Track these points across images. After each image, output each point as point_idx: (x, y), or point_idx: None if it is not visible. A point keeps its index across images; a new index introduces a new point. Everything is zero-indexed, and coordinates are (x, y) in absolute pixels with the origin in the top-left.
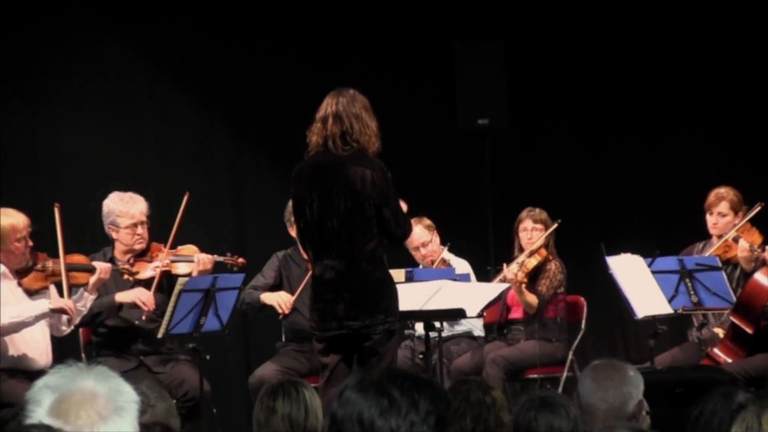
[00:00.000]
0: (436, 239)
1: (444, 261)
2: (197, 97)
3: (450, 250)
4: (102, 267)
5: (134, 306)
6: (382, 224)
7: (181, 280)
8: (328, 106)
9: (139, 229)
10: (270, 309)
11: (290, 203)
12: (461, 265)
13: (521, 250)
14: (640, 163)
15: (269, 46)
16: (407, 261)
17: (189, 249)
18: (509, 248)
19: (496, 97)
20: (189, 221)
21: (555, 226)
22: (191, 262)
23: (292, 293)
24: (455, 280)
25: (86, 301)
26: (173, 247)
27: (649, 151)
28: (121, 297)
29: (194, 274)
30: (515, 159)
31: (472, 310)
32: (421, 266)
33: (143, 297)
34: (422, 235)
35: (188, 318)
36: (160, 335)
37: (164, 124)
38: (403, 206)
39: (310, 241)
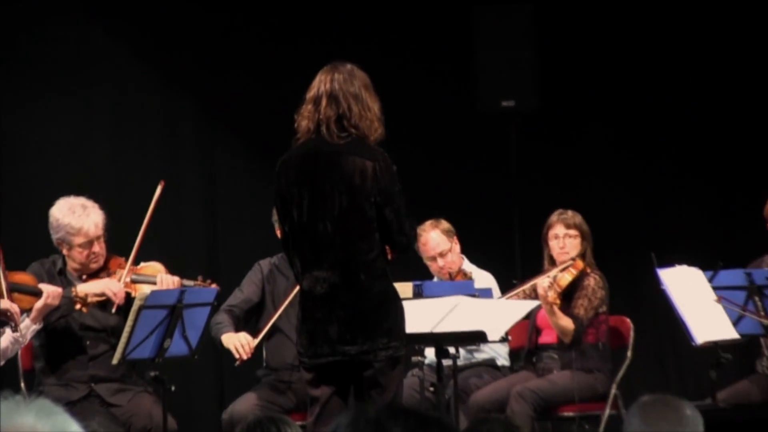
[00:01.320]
0: (456, 248)
1: (464, 274)
2: (162, 76)
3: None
4: (50, 291)
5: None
6: (383, 228)
7: (140, 294)
8: (321, 83)
9: (95, 247)
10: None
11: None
12: (484, 279)
13: (552, 261)
14: (697, 158)
15: (248, 13)
16: (419, 272)
17: (153, 267)
18: (539, 256)
19: (524, 73)
20: (152, 226)
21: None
22: (153, 283)
23: (276, 310)
24: (474, 295)
25: (27, 330)
26: (135, 262)
27: (709, 146)
28: (86, 288)
29: None
30: (547, 149)
31: (494, 332)
32: (435, 278)
33: (114, 287)
34: (440, 242)
35: (150, 340)
36: (115, 361)
37: (123, 108)
38: None
39: (297, 248)
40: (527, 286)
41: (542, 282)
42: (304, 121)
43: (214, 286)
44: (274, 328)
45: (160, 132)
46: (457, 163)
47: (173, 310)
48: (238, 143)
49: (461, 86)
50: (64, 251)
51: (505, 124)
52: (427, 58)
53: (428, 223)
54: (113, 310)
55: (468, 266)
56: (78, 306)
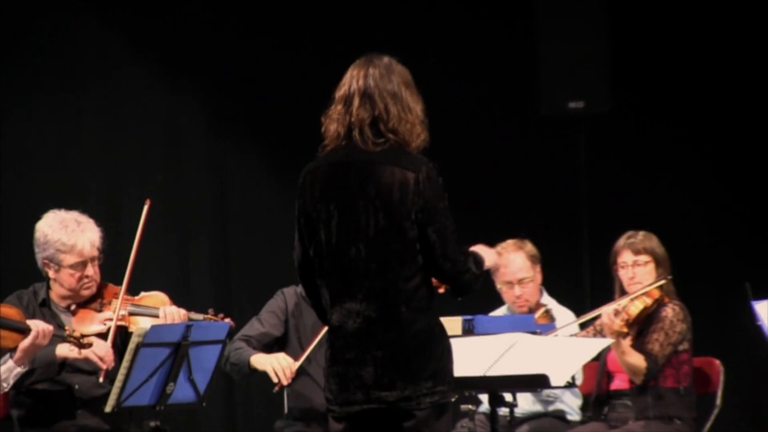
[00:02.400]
0: (539, 278)
1: (547, 313)
2: (165, 73)
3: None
4: (41, 329)
5: (81, 365)
6: (426, 251)
7: (138, 330)
8: (352, 80)
9: (89, 270)
10: (263, 375)
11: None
12: (565, 317)
13: (623, 292)
14: None
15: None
16: (475, 303)
17: (154, 298)
18: (610, 282)
19: (595, 72)
20: (152, 249)
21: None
22: (155, 316)
23: (302, 349)
24: (535, 332)
25: (9, 374)
26: (134, 291)
27: None
28: (65, 350)
29: None
30: (621, 157)
31: (558, 376)
32: (505, 308)
33: (100, 350)
34: (522, 267)
35: (149, 384)
36: (108, 408)
37: (119, 111)
38: (489, 256)
39: (325, 276)
40: (593, 316)
41: (608, 310)
42: (332, 125)
43: (227, 320)
44: (299, 370)
45: (161, 139)
46: (517, 176)
47: (177, 349)
48: (254, 151)
49: (522, 87)
50: (51, 274)
51: (573, 130)
52: (483, 55)
53: (511, 242)
54: (101, 379)
55: (547, 300)
56: (71, 348)
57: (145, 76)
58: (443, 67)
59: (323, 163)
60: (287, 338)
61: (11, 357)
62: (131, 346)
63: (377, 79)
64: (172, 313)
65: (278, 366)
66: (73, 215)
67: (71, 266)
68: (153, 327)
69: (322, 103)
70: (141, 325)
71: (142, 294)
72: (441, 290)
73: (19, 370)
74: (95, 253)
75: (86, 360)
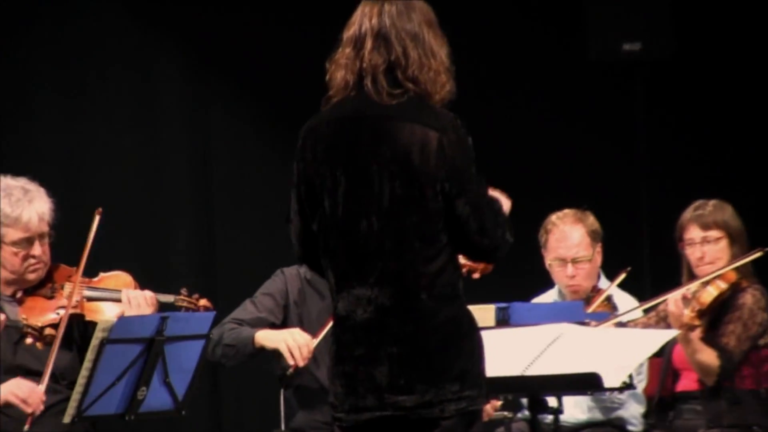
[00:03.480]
0: (598, 260)
1: (607, 301)
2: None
3: None
4: None
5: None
6: (455, 227)
7: (102, 323)
8: (364, 18)
9: (36, 248)
10: (268, 359)
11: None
12: (626, 307)
13: (691, 275)
14: None
15: None
16: (509, 287)
17: (116, 279)
18: (676, 262)
19: (655, 10)
20: (119, 224)
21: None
22: (117, 301)
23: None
24: (583, 323)
25: None
26: (90, 273)
27: None
28: None
29: None
30: (685, 109)
31: (613, 376)
32: (555, 290)
33: (21, 391)
34: (581, 244)
35: (117, 388)
36: (67, 419)
37: (80, 53)
38: (505, 203)
39: (329, 256)
40: (656, 303)
41: (675, 296)
42: (339, 72)
43: (203, 304)
44: (301, 370)
45: (132, 93)
46: (563, 131)
47: (151, 346)
48: (241, 106)
49: (568, 27)
50: None
51: (629, 77)
52: None
53: (570, 213)
54: (25, 428)
55: (614, 290)
56: (30, 341)
57: (111, 18)
58: (474, 5)
59: (328, 118)
60: (286, 326)
61: None
62: (94, 342)
63: (394, 17)
64: (136, 297)
65: (293, 343)
66: (21, 182)
67: (14, 243)
68: (120, 319)
69: (325, 46)
70: (100, 312)
71: (101, 275)
72: (476, 275)
73: None
74: (44, 228)
75: (6, 404)
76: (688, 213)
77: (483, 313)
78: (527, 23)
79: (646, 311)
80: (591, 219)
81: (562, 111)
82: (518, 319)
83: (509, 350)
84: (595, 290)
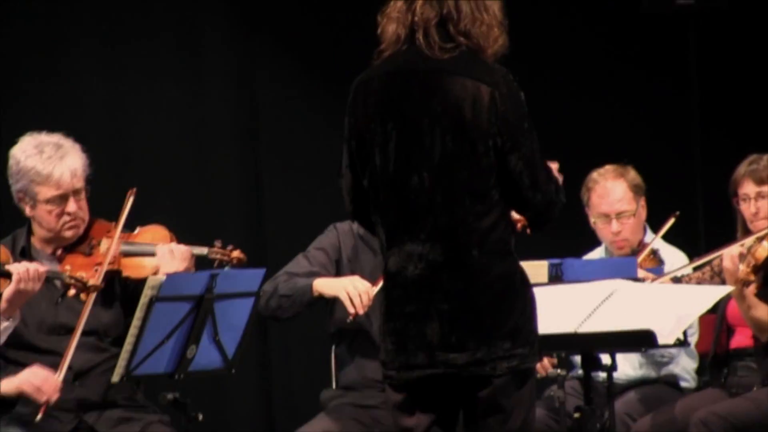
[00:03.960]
0: (643, 214)
1: (653, 254)
2: None
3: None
4: (22, 271)
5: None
6: (507, 183)
7: (152, 281)
8: None
9: (71, 205)
10: (321, 314)
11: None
12: (677, 262)
13: (746, 230)
14: None
15: None
16: (564, 243)
17: (153, 232)
18: (731, 220)
19: None
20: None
21: None
22: (152, 255)
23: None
24: (637, 279)
25: None
26: (131, 226)
27: None
28: (5, 385)
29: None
30: (740, 62)
31: (667, 332)
32: (602, 249)
33: (37, 380)
34: (624, 198)
35: (166, 347)
36: (116, 377)
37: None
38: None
39: (380, 211)
40: (709, 258)
41: (731, 252)
42: (391, 26)
43: (236, 255)
44: (349, 328)
45: (174, 46)
46: (614, 86)
47: (200, 303)
48: (289, 58)
49: None
50: (28, 211)
51: (682, 28)
52: None
53: (610, 169)
54: (38, 417)
55: (659, 244)
56: (73, 292)
57: None
58: None
59: (379, 72)
60: (337, 310)
61: None
62: (143, 300)
63: None
64: (171, 251)
65: (353, 290)
66: (54, 138)
67: (48, 201)
68: (169, 277)
69: (373, 0)
70: (137, 267)
71: (139, 229)
72: (530, 231)
73: (6, 323)
74: (78, 184)
75: (21, 393)
76: (742, 168)
77: (535, 270)
78: None
79: (698, 268)
80: (632, 173)
81: (614, 64)
82: (571, 276)
83: (562, 307)
84: (642, 245)
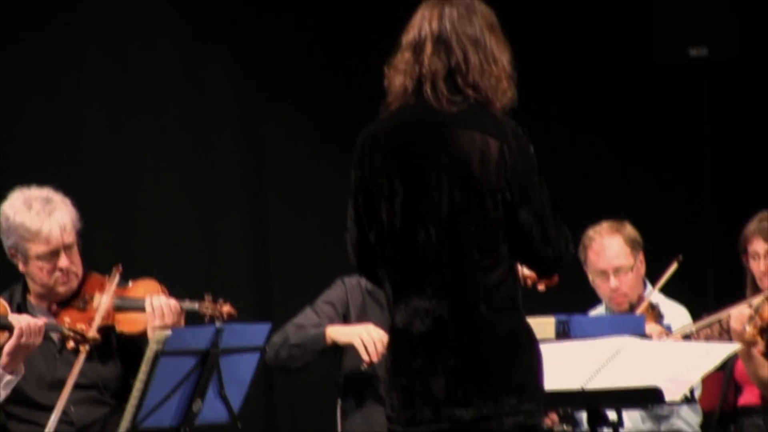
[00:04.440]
0: (641, 269)
1: (651, 307)
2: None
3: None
4: (24, 325)
5: None
6: (516, 237)
7: (157, 335)
8: (424, 22)
9: (62, 261)
10: (327, 365)
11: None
12: (675, 317)
13: (755, 287)
14: None
15: None
16: (571, 300)
17: (144, 286)
18: (740, 274)
19: (721, 12)
20: (170, 232)
21: None
22: (142, 310)
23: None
24: (643, 336)
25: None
26: (123, 280)
27: None
28: None
29: (149, 332)
30: (753, 115)
31: (673, 389)
32: (602, 308)
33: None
34: (620, 253)
35: (171, 401)
36: (122, 431)
37: (124, 56)
38: None
39: (387, 266)
40: (717, 318)
41: (738, 312)
42: (398, 78)
43: (227, 310)
44: (357, 379)
45: (180, 98)
46: (626, 139)
47: (206, 358)
48: (296, 112)
49: (634, 30)
50: (21, 267)
51: (695, 81)
52: None
53: (606, 225)
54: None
55: (657, 297)
56: (71, 345)
57: (157, 19)
58: (536, 8)
59: (386, 126)
60: (345, 359)
61: None
62: (149, 354)
63: (455, 21)
64: (160, 306)
65: (368, 338)
66: (43, 193)
67: (39, 257)
68: (175, 332)
69: (382, 51)
70: (129, 323)
71: (131, 283)
72: (541, 287)
73: (9, 378)
74: (69, 239)
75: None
76: (752, 225)
77: (543, 326)
78: (590, 26)
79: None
80: (629, 228)
81: (626, 114)
82: (578, 332)
83: (569, 363)
84: (641, 299)
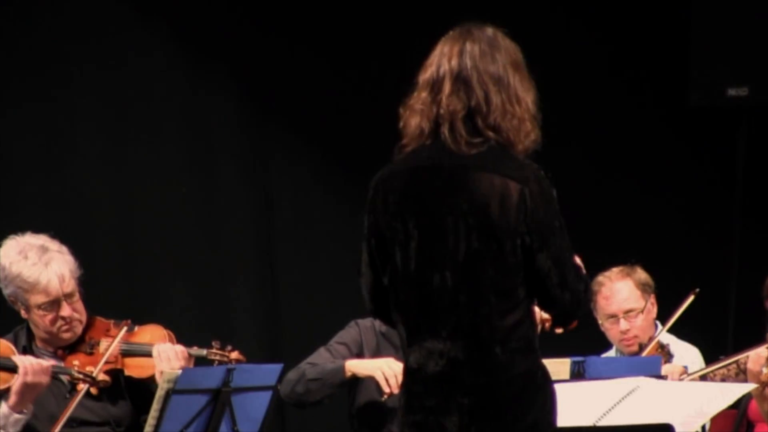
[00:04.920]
0: (653, 311)
1: (661, 347)
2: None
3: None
4: (28, 365)
5: None
6: (534, 281)
7: (168, 375)
8: (443, 59)
9: (65, 310)
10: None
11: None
12: (688, 357)
13: None
14: None
15: None
16: (585, 342)
17: (151, 332)
18: (762, 320)
19: (762, 51)
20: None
21: None
22: (149, 355)
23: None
24: (659, 376)
25: (6, 421)
26: (142, 324)
27: None
28: None
29: (157, 376)
30: None
31: (685, 424)
32: (614, 350)
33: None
34: (630, 297)
35: None
36: None
37: (125, 101)
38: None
39: (401, 309)
40: (735, 359)
41: (756, 354)
42: (414, 118)
43: (235, 356)
44: (370, 413)
45: (185, 141)
46: (658, 181)
47: (217, 396)
48: (304, 155)
49: (669, 70)
50: (23, 314)
51: (733, 122)
52: (618, 30)
53: (616, 270)
54: None
55: (666, 337)
56: (82, 387)
57: (160, 63)
58: (551, 38)
59: (401, 168)
60: (360, 379)
61: (5, 401)
62: (159, 392)
63: (476, 58)
64: (166, 351)
65: (389, 371)
66: (39, 241)
67: (40, 306)
68: (185, 372)
69: (394, 90)
70: (137, 367)
71: (137, 328)
72: (558, 330)
73: (18, 416)
74: (68, 289)
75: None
76: None
77: (558, 367)
78: (628, 64)
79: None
80: (639, 272)
81: (661, 156)
82: (594, 373)
83: (583, 402)
84: (651, 341)
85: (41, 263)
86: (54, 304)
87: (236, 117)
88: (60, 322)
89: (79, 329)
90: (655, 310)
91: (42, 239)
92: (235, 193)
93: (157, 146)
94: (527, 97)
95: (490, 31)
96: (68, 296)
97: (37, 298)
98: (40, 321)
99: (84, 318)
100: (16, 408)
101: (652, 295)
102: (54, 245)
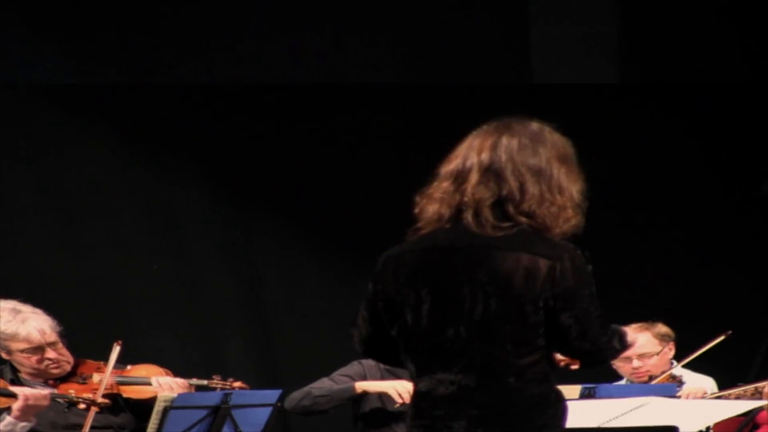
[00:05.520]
0: (669, 354)
1: (673, 377)
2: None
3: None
4: (28, 394)
5: None
6: (556, 334)
7: (162, 397)
8: (471, 152)
9: (50, 354)
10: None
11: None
12: (703, 385)
13: None
14: None
15: None
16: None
17: (147, 369)
18: None
19: None
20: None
21: None
22: (148, 384)
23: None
24: (673, 396)
25: (14, 427)
26: (120, 365)
27: None
28: None
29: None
30: None
31: (691, 427)
32: (624, 382)
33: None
34: (645, 344)
35: None
36: None
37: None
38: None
39: (411, 353)
40: (754, 386)
41: None
42: (432, 206)
43: (238, 385)
44: (375, 416)
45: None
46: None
47: (217, 411)
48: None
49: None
50: (3, 355)
51: None
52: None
53: (637, 325)
54: None
55: (679, 371)
56: (82, 407)
57: (124, 152)
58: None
59: (412, 248)
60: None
61: (8, 413)
62: (157, 408)
63: (513, 152)
64: (167, 382)
65: (402, 388)
66: (9, 304)
67: (23, 351)
68: (182, 394)
69: (367, 169)
70: (135, 390)
71: (129, 367)
72: (575, 367)
73: (23, 424)
74: (50, 339)
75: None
76: None
77: (568, 392)
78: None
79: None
80: (660, 326)
81: (727, 243)
82: (604, 395)
83: (593, 413)
84: (665, 373)
85: (17, 321)
86: (38, 349)
87: (207, 200)
88: (47, 362)
89: (67, 367)
90: (671, 353)
91: (12, 303)
92: (218, 272)
93: (123, 234)
94: (572, 187)
95: (535, 126)
96: (51, 344)
97: (20, 345)
98: (26, 361)
99: (71, 359)
100: (21, 419)
101: (671, 343)
102: (26, 308)
